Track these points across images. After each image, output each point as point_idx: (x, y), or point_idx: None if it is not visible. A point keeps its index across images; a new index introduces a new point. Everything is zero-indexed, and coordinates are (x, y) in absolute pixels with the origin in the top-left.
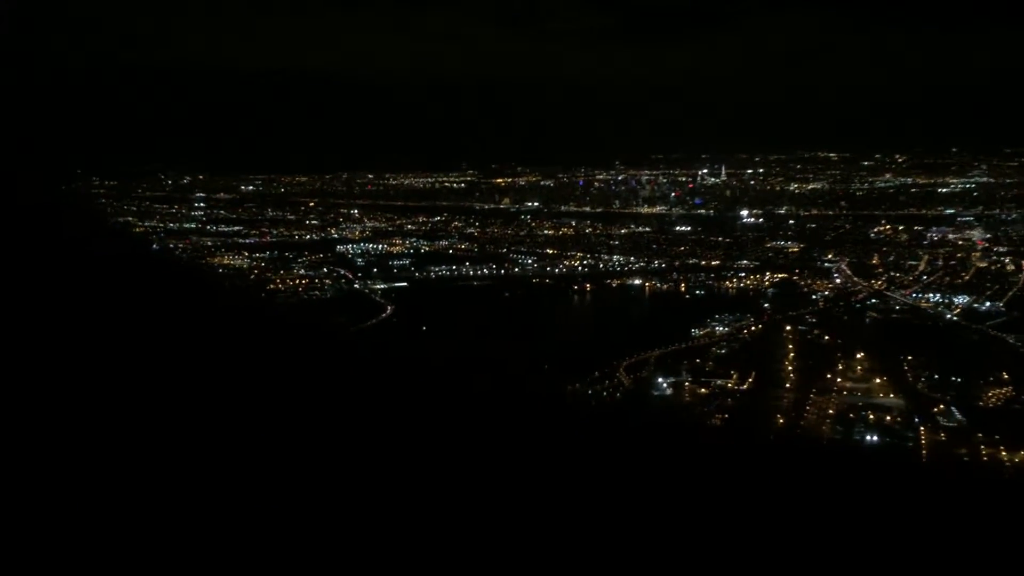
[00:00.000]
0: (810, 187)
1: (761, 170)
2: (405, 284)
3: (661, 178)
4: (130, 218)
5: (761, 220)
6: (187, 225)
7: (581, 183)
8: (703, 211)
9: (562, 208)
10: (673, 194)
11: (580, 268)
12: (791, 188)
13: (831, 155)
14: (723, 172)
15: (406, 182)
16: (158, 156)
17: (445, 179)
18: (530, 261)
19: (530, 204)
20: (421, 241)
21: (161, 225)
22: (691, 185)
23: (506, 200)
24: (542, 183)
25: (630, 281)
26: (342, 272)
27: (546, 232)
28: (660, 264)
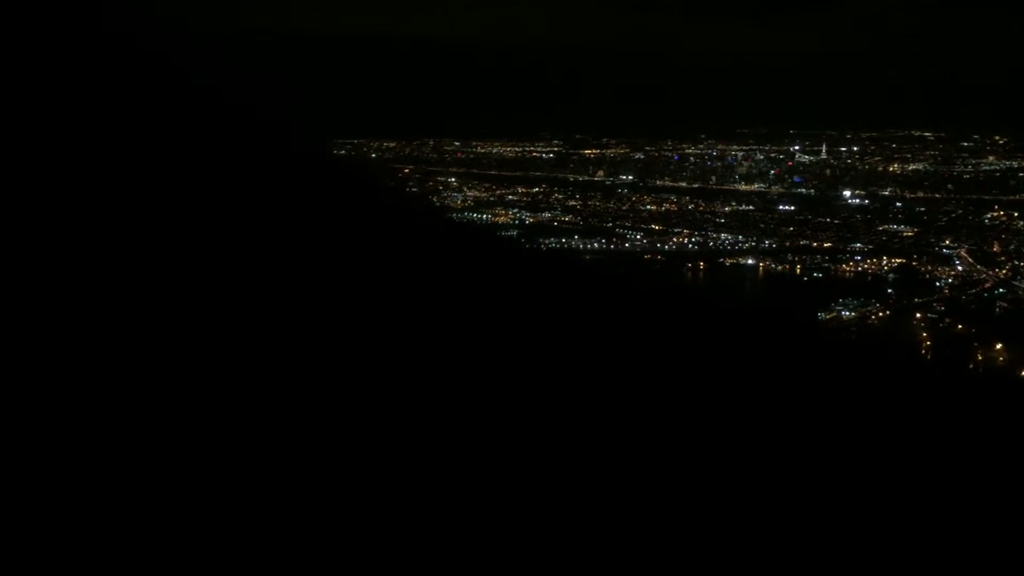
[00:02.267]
0: (911, 168)
1: (855, 148)
2: None
3: (757, 154)
4: None
5: (867, 201)
6: None
7: (676, 157)
8: (803, 190)
9: (657, 182)
10: (772, 172)
11: (690, 246)
12: (892, 169)
13: (927, 135)
14: (823, 150)
15: (494, 151)
16: None
17: (533, 149)
18: (638, 237)
19: (624, 177)
20: (524, 212)
21: None
22: (789, 164)
23: (600, 172)
24: (632, 156)
25: (743, 261)
26: None
27: (648, 207)
28: (771, 244)
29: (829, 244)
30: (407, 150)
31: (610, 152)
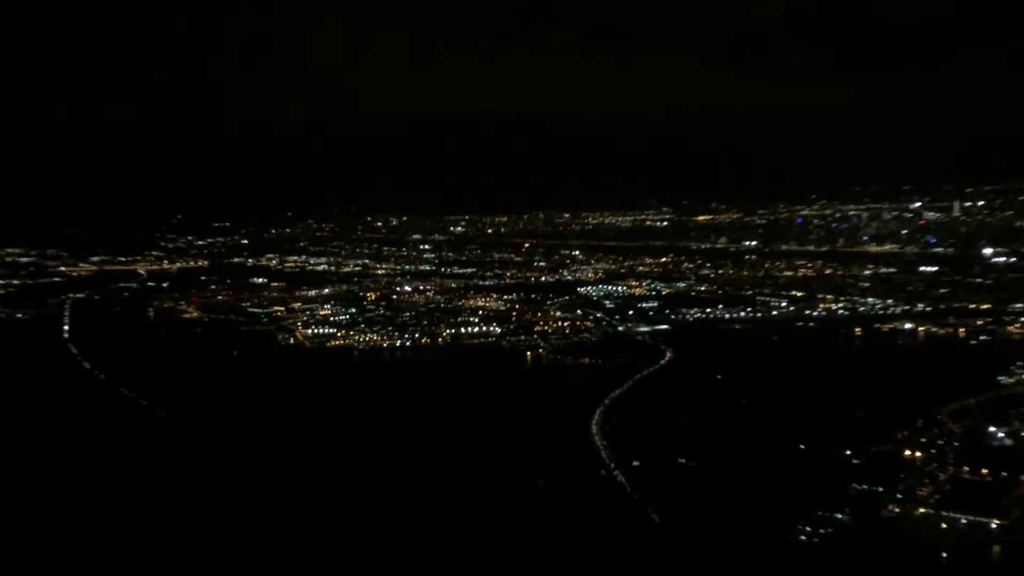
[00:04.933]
0: None
1: (981, 203)
2: (667, 327)
3: (884, 214)
4: (367, 261)
5: (1012, 259)
6: (423, 267)
7: (799, 220)
8: (940, 249)
9: (783, 247)
10: (903, 231)
11: (839, 311)
12: None
13: None
14: (953, 207)
15: (606, 221)
16: (359, 200)
17: (644, 216)
18: (783, 304)
19: (748, 243)
20: (657, 282)
21: (398, 267)
22: (921, 222)
23: (723, 239)
24: (747, 220)
25: (900, 326)
26: (598, 315)
27: (784, 273)
28: (925, 308)
29: (988, 305)
30: (520, 224)
31: (723, 217)
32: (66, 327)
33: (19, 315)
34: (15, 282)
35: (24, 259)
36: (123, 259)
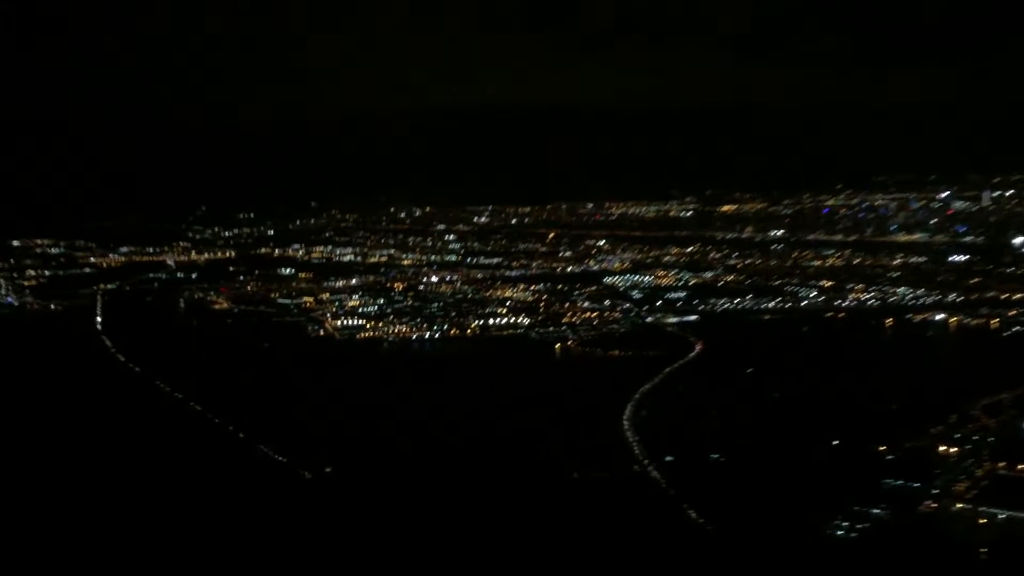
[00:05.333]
0: None
1: (1011, 192)
2: (695, 318)
3: (912, 203)
4: (392, 251)
5: None
6: (448, 258)
7: (825, 211)
8: (970, 238)
9: (809, 237)
10: (932, 221)
11: (869, 302)
12: None
13: None
14: (983, 196)
15: (629, 211)
16: (381, 191)
17: (667, 207)
18: (812, 294)
19: (774, 233)
20: (685, 272)
21: (424, 258)
22: (949, 212)
23: (748, 229)
24: (773, 209)
25: (931, 316)
26: (626, 306)
27: (813, 263)
28: (956, 298)
29: (1020, 295)
30: (543, 214)
31: (747, 207)
32: (99, 318)
33: (52, 306)
34: (46, 273)
35: (54, 250)
36: (151, 250)
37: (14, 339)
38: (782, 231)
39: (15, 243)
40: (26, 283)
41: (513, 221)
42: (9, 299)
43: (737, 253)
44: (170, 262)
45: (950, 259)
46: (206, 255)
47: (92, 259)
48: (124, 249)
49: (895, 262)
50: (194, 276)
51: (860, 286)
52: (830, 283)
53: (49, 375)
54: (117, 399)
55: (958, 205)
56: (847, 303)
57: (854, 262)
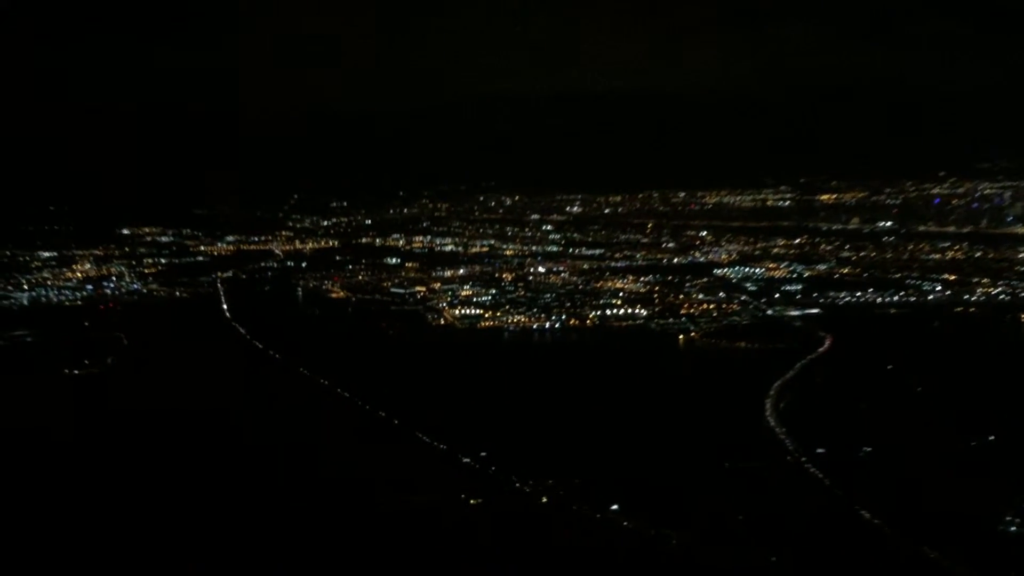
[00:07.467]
0: None
1: None
2: (817, 311)
3: None
4: (493, 241)
5: None
6: (550, 248)
7: (937, 200)
8: None
9: (920, 228)
10: None
11: (999, 296)
12: None
13: None
14: None
15: (724, 200)
16: (468, 179)
17: (763, 195)
18: (936, 288)
19: (883, 224)
20: (796, 264)
21: (525, 248)
22: None
23: (856, 219)
24: (876, 199)
25: None
26: (743, 298)
27: (932, 256)
28: None
29: None
30: (635, 203)
31: (847, 196)
32: (224, 305)
33: (177, 293)
34: (163, 260)
35: (164, 238)
36: (256, 239)
37: (156, 325)
38: (891, 222)
39: (124, 231)
40: (146, 271)
41: (606, 211)
42: (135, 285)
43: (848, 245)
44: (276, 251)
45: None
46: (310, 244)
47: (202, 247)
48: (230, 238)
49: (1020, 255)
50: (304, 265)
51: (986, 280)
52: (953, 276)
53: (196, 364)
54: (269, 386)
55: None
56: (975, 297)
57: (975, 255)
